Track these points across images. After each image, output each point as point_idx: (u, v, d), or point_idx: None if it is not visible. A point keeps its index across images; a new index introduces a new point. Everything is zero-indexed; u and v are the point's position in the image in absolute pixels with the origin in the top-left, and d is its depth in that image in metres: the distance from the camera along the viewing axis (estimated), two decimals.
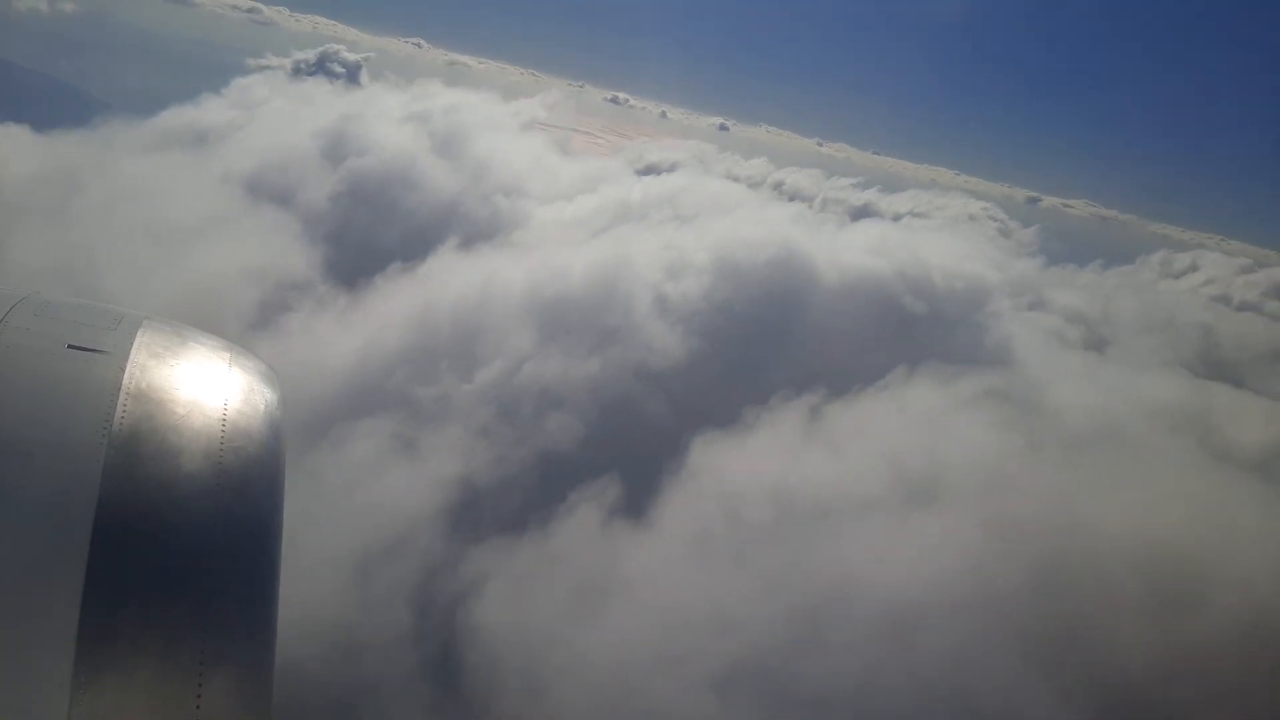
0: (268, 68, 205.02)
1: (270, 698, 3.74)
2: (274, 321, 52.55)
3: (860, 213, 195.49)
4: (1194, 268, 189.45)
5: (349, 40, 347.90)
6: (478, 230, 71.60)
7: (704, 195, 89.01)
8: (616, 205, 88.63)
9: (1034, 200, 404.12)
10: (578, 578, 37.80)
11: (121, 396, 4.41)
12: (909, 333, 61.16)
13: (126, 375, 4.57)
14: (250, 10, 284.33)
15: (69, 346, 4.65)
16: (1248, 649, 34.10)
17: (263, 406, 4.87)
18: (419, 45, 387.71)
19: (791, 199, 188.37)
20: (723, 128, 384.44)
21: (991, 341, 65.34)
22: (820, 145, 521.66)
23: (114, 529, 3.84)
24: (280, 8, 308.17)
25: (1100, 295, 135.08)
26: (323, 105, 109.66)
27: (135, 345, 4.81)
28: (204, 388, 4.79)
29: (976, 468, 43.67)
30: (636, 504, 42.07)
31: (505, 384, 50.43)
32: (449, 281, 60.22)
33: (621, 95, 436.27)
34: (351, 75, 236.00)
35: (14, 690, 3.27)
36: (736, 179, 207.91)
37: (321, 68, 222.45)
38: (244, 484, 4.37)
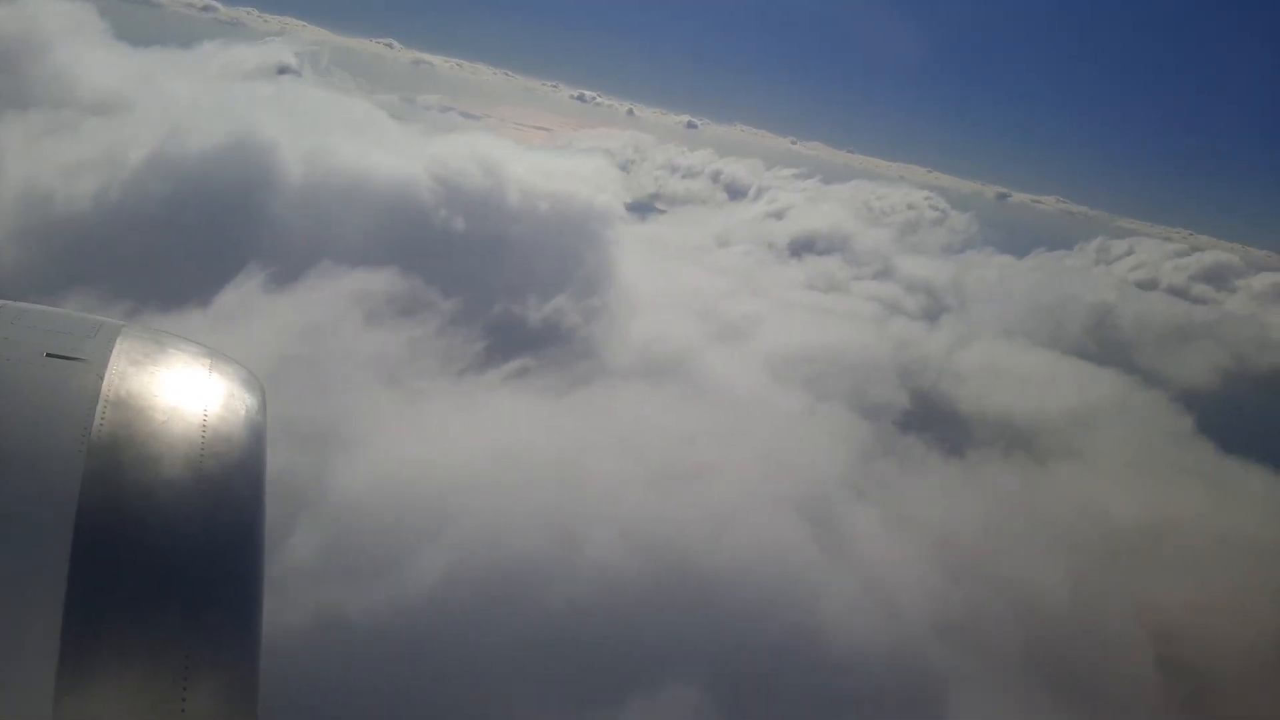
0: None
1: (255, 703, 3.70)
2: None
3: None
4: (1130, 253, 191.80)
5: (319, 41, 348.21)
6: None
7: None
8: None
9: (1004, 196, 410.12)
10: None
11: (100, 404, 4.36)
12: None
13: (105, 383, 4.51)
14: (204, 8, 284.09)
15: (47, 355, 4.61)
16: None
17: (243, 412, 4.80)
18: (390, 45, 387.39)
19: (730, 190, 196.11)
20: (691, 125, 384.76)
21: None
22: (794, 143, 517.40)
23: (94, 537, 3.78)
24: (249, 8, 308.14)
25: (982, 275, 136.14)
26: None
27: (114, 352, 4.76)
28: (184, 394, 4.74)
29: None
30: None
31: None
32: None
33: (588, 93, 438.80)
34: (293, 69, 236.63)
35: None
36: (675, 168, 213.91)
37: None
38: (225, 489, 4.32)
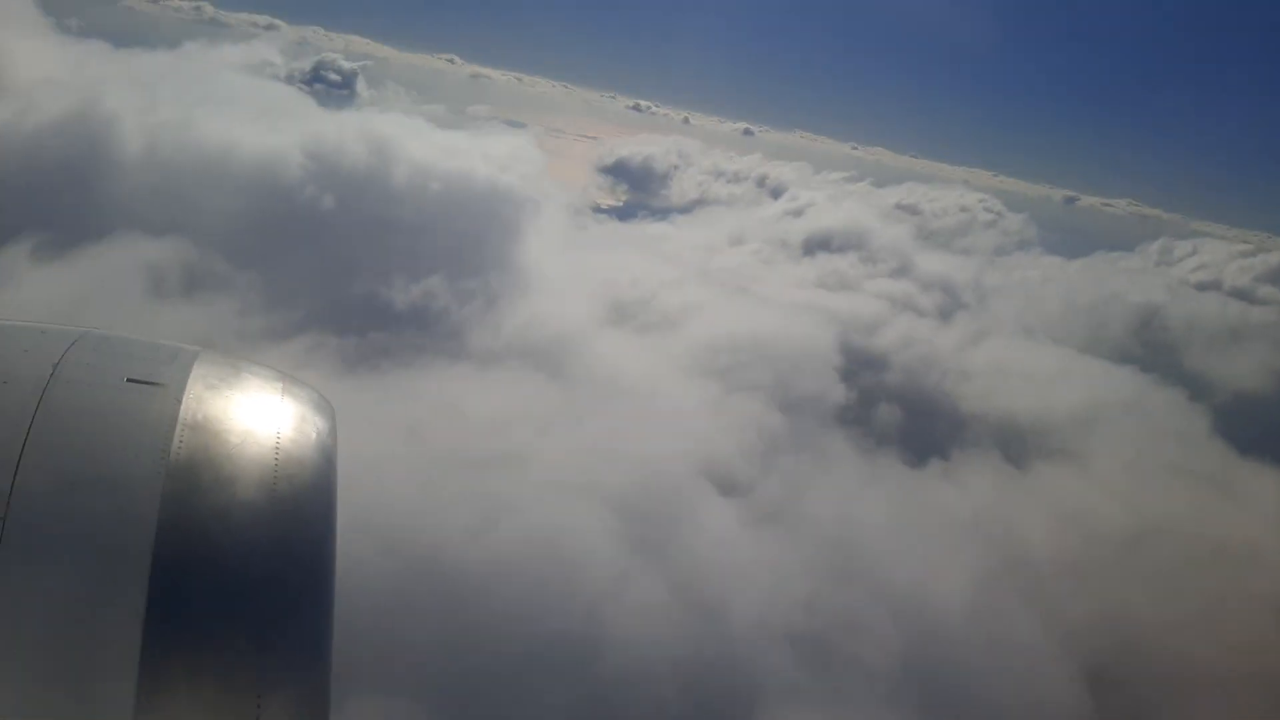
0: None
1: (327, 718, 3.75)
2: None
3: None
4: (1193, 254, 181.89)
5: (380, 56, 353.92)
6: None
7: None
8: None
9: (1071, 200, 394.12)
10: None
11: (178, 427, 4.42)
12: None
13: (183, 407, 4.57)
14: (269, 26, 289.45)
15: (128, 380, 4.68)
16: None
17: (315, 435, 4.82)
18: (451, 61, 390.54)
19: (775, 193, 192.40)
20: (747, 132, 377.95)
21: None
22: (855, 149, 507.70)
23: (173, 557, 3.86)
24: (316, 27, 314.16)
25: (1022, 276, 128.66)
26: None
27: (191, 377, 4.81)
28: (258, 418, 4.76)
29: None
30: None
31: None
32: None
33: (644, 103, 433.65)
34: (347, 83, 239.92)
35: (79, 715, 3.37)
36: (721, 173, 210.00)
37: (317, 76, 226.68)
38: (297, 511, 4.38)
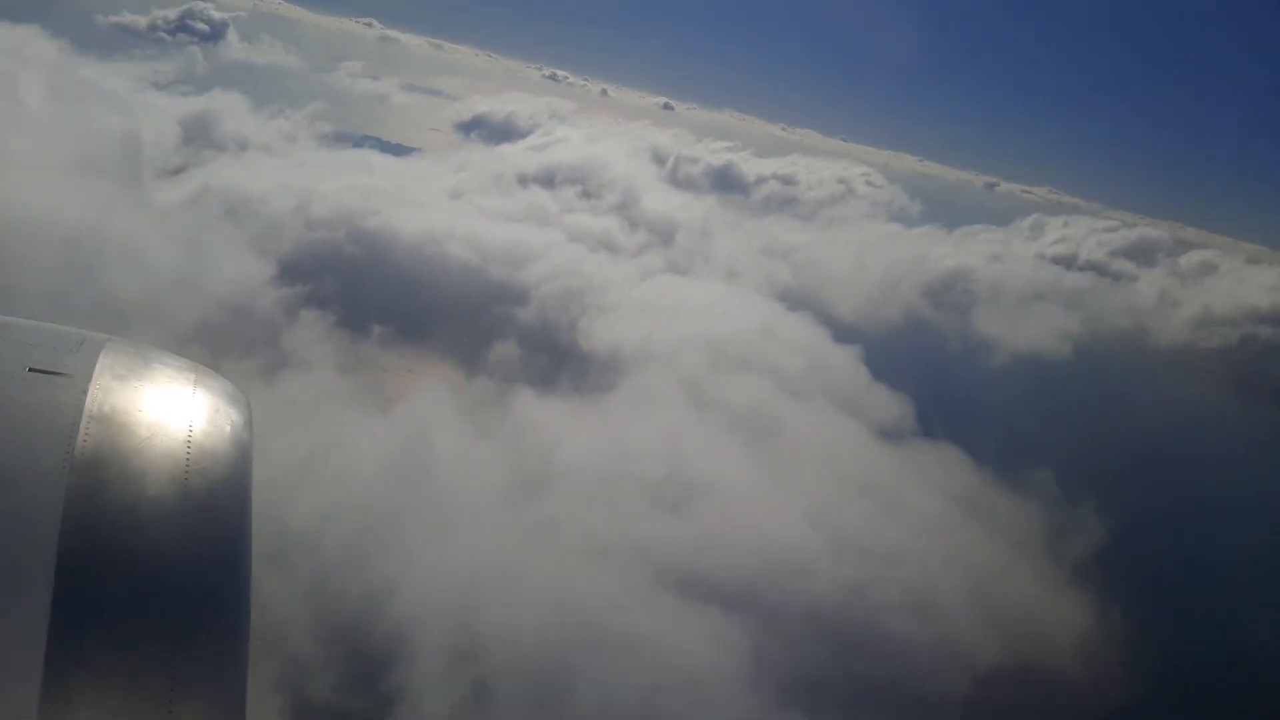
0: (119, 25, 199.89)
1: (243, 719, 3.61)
2: None
3: (719, 173, 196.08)
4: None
5: (294, 18, 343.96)
6: None
7: None
8: None
9: (992, 185, 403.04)
10: None
11: (84, 420, 4.22)
12: None
13: (89, 398, 4.37)
14: None
15: (29, 369, 4.47)
16: None
17: (229, 428, 4.63)
18: (369, 25, 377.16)
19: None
20: (667, 106, 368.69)
21: None
22: (784, 130, 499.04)
23: (79, 554, 3.67)
24: None
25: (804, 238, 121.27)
26: None
27: (98, 368, 4.59)
28: (168, 410, 4.54)
29: None
30: None
31: None
32: None
33: (561, 73, 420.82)
34: (217, 34, 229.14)
35: None
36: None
37: (183, 26, 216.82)
38: (211, 506, 4.17)
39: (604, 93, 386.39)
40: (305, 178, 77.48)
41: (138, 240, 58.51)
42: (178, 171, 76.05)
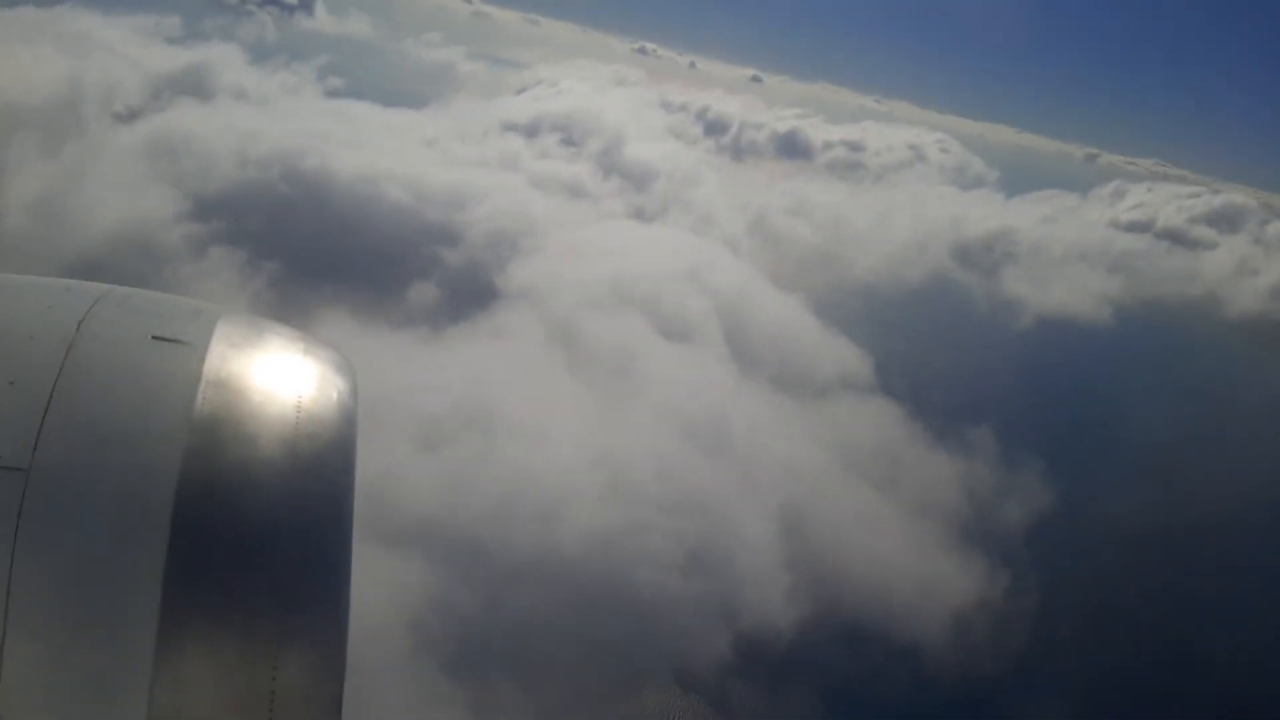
0: None
1: (343, 671, 3.70)
2: None
3: (785, 139, 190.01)
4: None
5: None
6: None
7: None
8: None
9: (1092, 157, 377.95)
10: None
11: (202, 384, 4.30)
12: None
13: (206, 365, 4.44)
14: None
15: (152, 337, 4.57)
16: None
17: (335, 395, 4.66)
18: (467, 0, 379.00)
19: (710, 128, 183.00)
20: (755, 79, 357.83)
21: None
22: (878, 102, 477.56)
23: (193, 511, 3.80)
24: None
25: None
26: None
27: (215, 336, 4.66)
28: (280, 377, 4.61)
29: None
30: None
31: None
32: None
33: (650, 46, 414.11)
34: (305, 6, 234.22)
35: (100, 664, 3.41)
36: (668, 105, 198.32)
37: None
38: (317, 469, 4.28)
39: (692, 65, 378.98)
40: (271, 124, 76.13)
41: (49, 179, 58.04)
42: (132, 117, 75.59)
